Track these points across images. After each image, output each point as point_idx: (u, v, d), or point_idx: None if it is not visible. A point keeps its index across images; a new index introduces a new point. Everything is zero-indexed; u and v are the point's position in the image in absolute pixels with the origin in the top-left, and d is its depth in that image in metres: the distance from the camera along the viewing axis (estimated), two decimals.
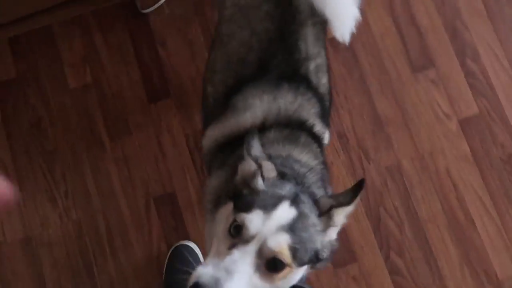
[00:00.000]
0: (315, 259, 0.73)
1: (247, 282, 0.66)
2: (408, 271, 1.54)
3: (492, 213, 1.58)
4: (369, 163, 1.61)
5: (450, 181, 1.60)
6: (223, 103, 1.03)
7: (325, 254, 0.75)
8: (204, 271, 0.66)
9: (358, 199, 0.76)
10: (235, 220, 0.70)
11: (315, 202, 0.75)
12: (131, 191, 1.58)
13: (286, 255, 0.67)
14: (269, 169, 0.76)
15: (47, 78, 1.67)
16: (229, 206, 0.76)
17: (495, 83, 1.65)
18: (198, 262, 1.47)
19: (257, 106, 0.97)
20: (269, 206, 0.70)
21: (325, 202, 0.75)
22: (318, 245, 0.73)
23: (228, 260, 0.66)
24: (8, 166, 1.59)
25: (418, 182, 1.60)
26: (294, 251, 0.68)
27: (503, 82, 1.65)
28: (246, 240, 0.68)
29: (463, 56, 1.67)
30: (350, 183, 1.58)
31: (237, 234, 0.69)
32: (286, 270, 0.68)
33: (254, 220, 0.68)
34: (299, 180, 0.81)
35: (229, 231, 0.71)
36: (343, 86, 1.64)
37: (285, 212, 0.70)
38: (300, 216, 0.71)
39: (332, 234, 0.77)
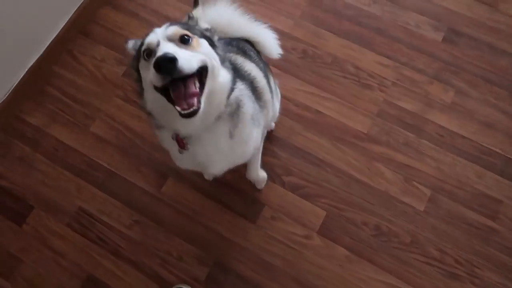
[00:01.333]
0: (208, 37, 0.99)
1: (180, 50, 0.87)
2: (304, 179, 1.71)
3: (323, 95, 1.84)
4: None
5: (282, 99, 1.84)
6: None
7: (212, 36, 1.02)
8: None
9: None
10: (143, 53, 0.91)
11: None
12: None
13: (182, 31, 0.92)
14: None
15: None
16: (140, 65, 0.96)
17: None
18: None
19: None
20: (149, 32, 0.94)
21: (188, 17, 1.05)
22: (201, 28, 1.01)
23: (160, 49, 0.86)
24: None
25: None
26: (187, 28, 0.93)
27: None
28: (157, 45, 0.88)
29: None
30: None
31: (152, 53, 0.89)
32: (195, 39, 0.93)
33: (149, 37, 0.92)
34: None
35: (145, 60, 0.91)
36: None
37: (160, 28, 0.94)
38: (171, 23, 0.95)
39: (204, 25, 1.04)
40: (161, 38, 0.90)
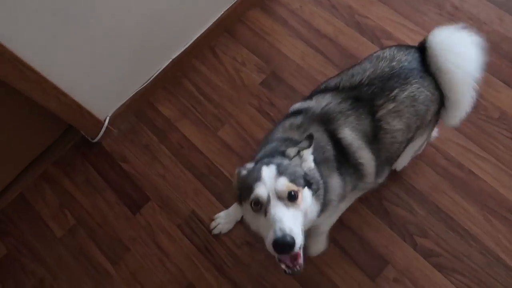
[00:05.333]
0: (307, 182, 1.00)
1: (290, 215, 0.93)
2: (441, 247, 1.49)
3: (481, 154, 1.59)
4: None
5: (430, 147, 1.62)
6: None
7: (312, 178, 1.02)
8: (273, 235, 0.89)
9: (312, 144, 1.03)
10: (251, 202, 0.96)
11: (283, 153, 1.04)
12: None
13: (291, 186, 0.95)
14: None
15: (36, 240, 1.72)
16: (244, 205, 1.02)
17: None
18: None
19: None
20: (258, 177, 0.96)
21: (292, 150, 1.03)
22: (302, 171, 1.01)
23: (271, 217, 0.91)
24: None
25: None
26: (293, 181, 0.95)
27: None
28: (268, 201, 0.94)
29: (377, 39, 1.80)
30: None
31: (259, 205, 0.95)
32: (300, 193, 0.96)
33: (259, 189, 0.95)
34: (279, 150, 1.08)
35: (253, 210, 0.96)
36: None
37: (268, 170, 0.97)
38: (278, 165, 0.98)
39: (308, 163, 1.03)
40: (271, 194, 0.94)
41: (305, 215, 0.98)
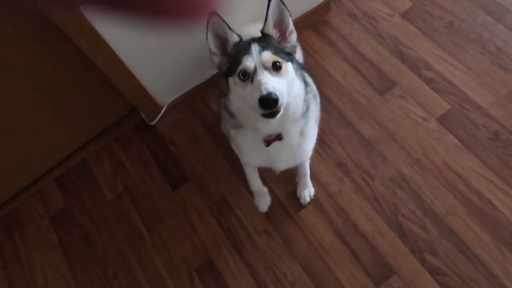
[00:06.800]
0: (288, 55, 1.10)
1: (274, 80, 1.01)
2: (448, 267, 1.55)
3: (503, 187, 1.64)
4: (373, 180, 1.75)
5: (452, 172, 1.70)
6: None
7: (291, 51, 1.13)
8: (259, 94, 0.98)
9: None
10: (239, 73, 1.04)
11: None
12: (174, 270, 1.75)
13: (276, 57, 1.04)
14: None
15: (89, 199, 2.00)
16: (231, 78, 1.08)
17: (453, 80, 1.87)
18: None
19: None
20: (247, 50, 1.05)
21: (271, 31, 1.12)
22: (284, 48, 1.11)
23: (257, 82, 1.00)
24: (68, 280, 1.82)
25: (424, 182, 1.71)
26: (276, 54, 1.04)
27: (459, 76, 1.87)
28: (254, 71, 1.03)
29: (417, 69, 1.93)
30: (362, 204, 1.71)
31: (248, 75, 1.03)
32: (284, 65, 1.05)
33: (247, 61, 1.03)
34: None
35: (241, 80, 1.04)
36: (327, 125, 1.89)
37: (257, 46, 1.05)
38: (267, 41, 1.08)
39: (292, 40, 1.13)
40: (257, 65, 1.02)
41: (291, 85, 1.07)
